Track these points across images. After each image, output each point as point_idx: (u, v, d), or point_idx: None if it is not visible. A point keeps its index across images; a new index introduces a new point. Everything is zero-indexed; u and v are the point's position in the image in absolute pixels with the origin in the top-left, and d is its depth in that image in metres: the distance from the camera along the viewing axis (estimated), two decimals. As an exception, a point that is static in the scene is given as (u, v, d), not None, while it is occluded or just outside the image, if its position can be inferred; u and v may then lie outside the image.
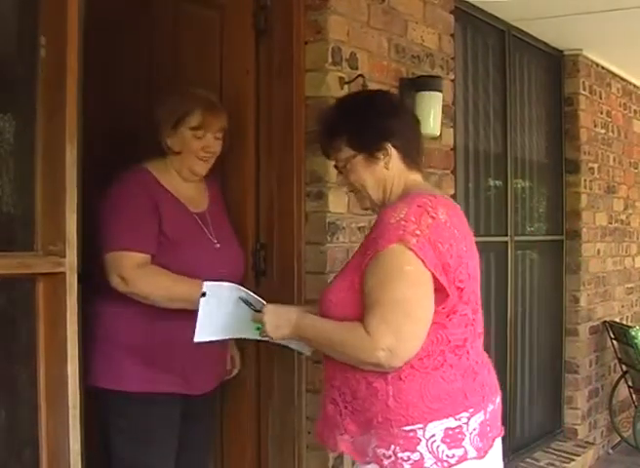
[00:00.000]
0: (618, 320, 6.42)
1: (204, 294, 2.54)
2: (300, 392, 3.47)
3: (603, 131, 6.29)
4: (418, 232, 2.25)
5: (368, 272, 2.30)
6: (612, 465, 5.93)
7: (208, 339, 2.57)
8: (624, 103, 6.73)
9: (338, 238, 3.51)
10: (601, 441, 6.19)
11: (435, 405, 2.29)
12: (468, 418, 2.32)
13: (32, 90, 2.32)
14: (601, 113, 6.26)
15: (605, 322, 6.23)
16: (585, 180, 5.99)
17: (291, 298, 3.45)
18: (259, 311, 2.51)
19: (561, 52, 5.89)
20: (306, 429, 3.46)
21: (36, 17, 2.31)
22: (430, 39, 4.08)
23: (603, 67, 6.24)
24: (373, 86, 3.57)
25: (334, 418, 2.46)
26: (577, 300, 5.91)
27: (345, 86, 3.51)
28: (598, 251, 6.19)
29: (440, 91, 3.86)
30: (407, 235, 2.25)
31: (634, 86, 6.91)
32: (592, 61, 6.07)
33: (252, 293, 2.59)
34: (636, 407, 6.10)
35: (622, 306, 6.67)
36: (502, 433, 2.47)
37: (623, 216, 6.71)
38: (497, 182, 5.29)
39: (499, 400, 2.50)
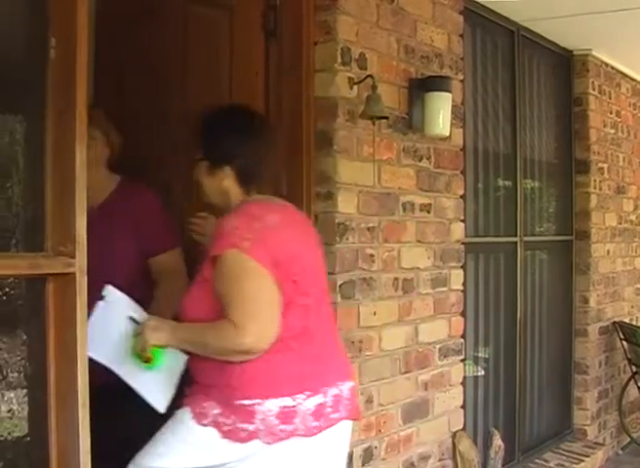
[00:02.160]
0: (627, 320, 6.40)
1: (102, 298, 2.69)
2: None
3: (612, 131, 6.27)
4: (249, 236, 2.55)
5: (216, 278, 2.59)
6: (621, 466, 5.92)
7: (96, 358, 2.58)
8: (634, 103, 6.71)
9: (347, 238, 3.51)
10: (610, 441, 6.17)
11: (274, 385, 2.55)
12: (304, 399, 2.57)
13: (42, 91, 2.32)
14: (610, 113, 6.25)
15: (614, 322, 6.21)
16: (595, 181, 5.97)
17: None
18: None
19: (570, 52, 5.88)
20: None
21: (46, 18, 2.32)
22: (439, 39, 4.08)
23: (612, 67, 6.22)
24: (382, 86, 3.58)
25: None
26: (586, 301, 5.90)
27: (355, 86, 3.52)
28: (608, 251, 6.17)
29: (449, 91, 3.86)
30: (240, 241, 2.54)
31: (644, 86, 6.90)
32: (602, 61, 6.05)
33: (141, 310, 2.78)
34: (646, 407, 6.10)
35: (632, 307, 6.65)
36: (354, 416, 2.77)
37: (633, 217, 6.69)
38: (506, 183, 5.28)
39: (348, 386, 2.73)
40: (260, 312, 2.53)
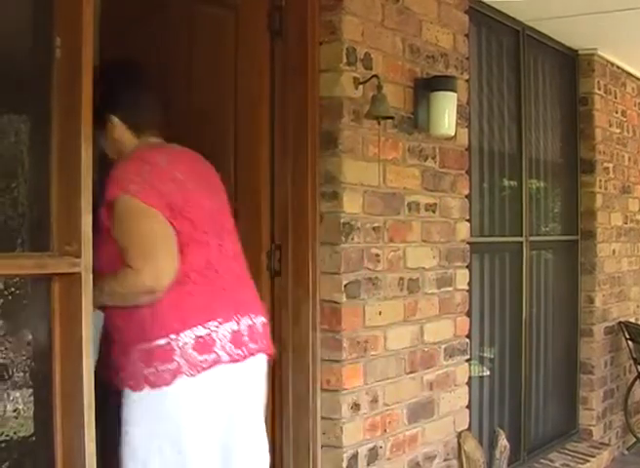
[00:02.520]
0: (633, 320, 6.39)
1: None
2: (315, 392, 3.47)
3: (618, 130, 6.26)
4: (137, 180, 2.61)
5: (112, 224, 2.64)
6: (627, 466, 5.90)
7: None
8: (639, 103, 6.71)
9: (352, 238, 3.51)
10: (616, 442, 6.15)
11: (185, 317, 2.60)
12: (217, 327, 2.63)
13: (48, 91, 2.33)
14: (616, 113, 6.24)
15: (620, 322, 6.19)
16: (600, 180, 5.96)
17: (306, 299, 3.46)
18: None
19: (576, 51, 5.87)
20: (322, 429, 3.46)
21: (52, 18, 2.32)
22: (445, 39, 4.08)
23: (618, 67, 6.21)
24: (387, 86, 3.57)
25: (112, 358, 2.72)
26: (592, 301, 5.89)
27: (360, 86, 3.52)
28: (613, 251, 6.16)
29: (454, 91, 3.86)
30: (129, 185, 2.60)
31: (649, 85, 6.89)
32: (607, 61, 6.04)
33: None
34: (652, 407, 6.09)
35: (638, 306, 6.64)
36: (268, 351, 2.85)
37: (639, 216, 6.68)
38: (511, 183, 5.28)
39: (261, 320, 2.82)
40: (153, 251, 2.59)
